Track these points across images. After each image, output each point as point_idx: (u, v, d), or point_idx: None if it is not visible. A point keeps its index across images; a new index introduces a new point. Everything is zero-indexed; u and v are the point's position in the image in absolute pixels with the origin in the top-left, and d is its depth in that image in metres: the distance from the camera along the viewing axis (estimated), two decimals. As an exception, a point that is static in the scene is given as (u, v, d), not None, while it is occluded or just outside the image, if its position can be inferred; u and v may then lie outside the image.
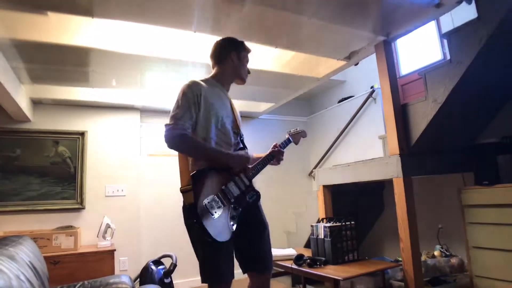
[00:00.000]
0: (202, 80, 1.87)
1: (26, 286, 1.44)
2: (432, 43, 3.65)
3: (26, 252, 1.71)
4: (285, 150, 2.10)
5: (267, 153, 2.03)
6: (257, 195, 1.89)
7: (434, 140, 2.79)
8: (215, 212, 1.67)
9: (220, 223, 1.68)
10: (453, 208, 3.06)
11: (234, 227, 1.73)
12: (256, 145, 4.82)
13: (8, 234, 3.13)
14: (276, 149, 2.04)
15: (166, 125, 1.72)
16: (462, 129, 2.93)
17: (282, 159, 2.07)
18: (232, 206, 1.76)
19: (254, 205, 1.90)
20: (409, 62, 3.99)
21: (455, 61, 2.42)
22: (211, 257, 1.71)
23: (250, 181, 1.87)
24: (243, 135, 2.02)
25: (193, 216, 1.63)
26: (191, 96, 1.75)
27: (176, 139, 1.69)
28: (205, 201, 1.65)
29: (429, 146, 2.80)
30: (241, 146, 1.96)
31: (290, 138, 2.17)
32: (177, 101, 1.77)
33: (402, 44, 4.05)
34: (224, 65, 1.98)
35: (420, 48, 3.82)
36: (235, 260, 1.81)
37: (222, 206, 1.71)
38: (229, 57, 1.97)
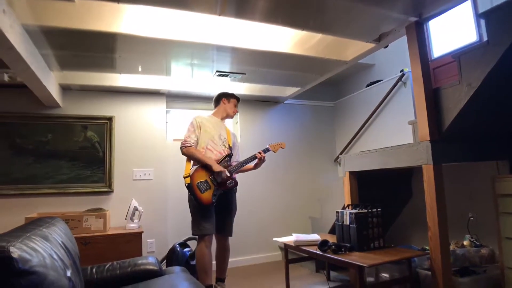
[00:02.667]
0: (204, 115, 3.22)
1: (59, 264, 1.48)
2: (467, 24, 3.47)
3: (58, 232, 1.76)
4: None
5: (251, 155, 3.11)
6: (235, 182, 3.05)
7: (467, 126, 2.67)
8: (203, 190, 2.85)
9: (205, 196, 2.85)
10: (485, 197, 2.95)
11: (214, 200, 2.88)
12: (281, 129, 4.85)
13: (42, 215, 3.26)
14: (260, 154, 3.09)
15: (181, 142, 3.03)
16: (497, 115, 2.79)
17: (262, 162, 3.14)
18: (215, 187, 2.90)
19: (231, 190, 3.08)
20: (442, 44, 3.81)
21: (493, 42, 2.28)
22: (198, 215, 2.89)
23: (231, 174, 2.96)
24: (232, 148, 3.18)
25: (190, 191, 2.86)
26: (195, 124, 3.09)
27: (184, 149, 2.99)
28: (198, 183, 2.85)
29: (462, 132, 2.69)
30: (230, 153, 3.11)
31: (268, 148, 3.20)
32: (188, 128, 3.10)
33: (435, 26, 3.87)
34: (220, 105, 3.28)
35: (454, 29, 3.64)
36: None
37: (209, 187, 2.88)
38: (221, 101, 3.27)
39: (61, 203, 3.70)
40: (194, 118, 3.13)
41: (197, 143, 3.03)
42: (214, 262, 3.16)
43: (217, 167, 2.89)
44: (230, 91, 3.38)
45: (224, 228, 3.07)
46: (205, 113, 3.31)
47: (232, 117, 3.35)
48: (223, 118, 3.27)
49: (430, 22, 3.49)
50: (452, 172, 3.23)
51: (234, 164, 3.10)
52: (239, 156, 3.33)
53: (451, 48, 3.61)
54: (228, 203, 3.08)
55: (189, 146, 2.98)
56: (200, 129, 3.06)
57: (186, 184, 2.86)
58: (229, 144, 3.14)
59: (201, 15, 2.47)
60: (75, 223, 3.27)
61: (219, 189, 2.92)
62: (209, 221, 2.88)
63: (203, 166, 2.93)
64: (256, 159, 3.10)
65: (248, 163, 3.11)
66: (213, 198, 2.87)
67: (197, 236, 2.96)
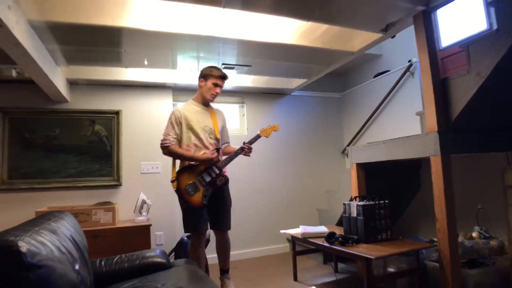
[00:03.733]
0: (184, 104, 2.89)
1: (67, 258, 1.51)
2: (477, 12, 3.39)
3: (67, 226, 1.79)
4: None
5: (237, 148, 2.87)
6: (225, 179, 2.84)
7: (476, 116, 2.63)
8: (192, 193, 2.68)
9: (195, 199, 2.69)
10: (495, 189, 2.92)
11: (205, 201, 2.71)
12: (288, 121, 4.84)
13: (52, 209, 3.31)
14: (245, 145, 2.85)
15: (161, 140, 2.78)
16: (507, 105, 2.74)
17: (250, 152, 2.89)
18: (204, 188, 2.72)
19: (222, 187, 2.85)
20: (450, 33, 3.74)
21: (503, 31, 2.24)
22: (189, 216, 2.76)
23: (220, 170, 2.78)
24: (220, 139, 2.93)
25: (179, 195, 2.72)
26: (174, 119, 2.79)
27: (164, 149, 2.78)
28: (185, 187, 2.69)
29: (470, 123, 2.65)
30: (218, 147, 2.86)
31: (259, 134, 2.94)
32: (167, 124, 2.82)
33: (443, 15, 3.79)
34: (199, 88, 2.92)
35: (463, 18, 3.56)
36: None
37: (197, 189, 2.70)
38: (199, 83, 2.89)
39: (70, 197, 3.74)
40: (173, 111, 2.83)
41: (179, 140, 2.81)
42: (215, 255, 3.17)
43: (205, 156, 2.70)
44: (213, 65, 2.97)
45: (221, 224, 2.95)
46: (186, 100, 3.00)
47: (211, 101, 2.93)
48: (204, 104, 2.93)
49: (438, 11, 3.42)
50: (461, 163, 3.19)
51: (224, 147, 3.03)
52: (229, 138, 3.14)
53: (459, 37, 3.53)
54: (222, 199, 2.91)
55: (168, 146, 2.74)
56: (181, 125, 2.79)
57: (174, 189, 2.73)
58: (216, 136, 2.87)
59: (206, 7, 2.46)
60: (85, 216, 3.31)
61: (209, 190, 2.74)
62: (201, 218, 2.76)
63: (189, 166, 2.74)
64: (242, 152, 2.87)
65: (237, 155, 2.85)
66: (204, 200, 2.70)
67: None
